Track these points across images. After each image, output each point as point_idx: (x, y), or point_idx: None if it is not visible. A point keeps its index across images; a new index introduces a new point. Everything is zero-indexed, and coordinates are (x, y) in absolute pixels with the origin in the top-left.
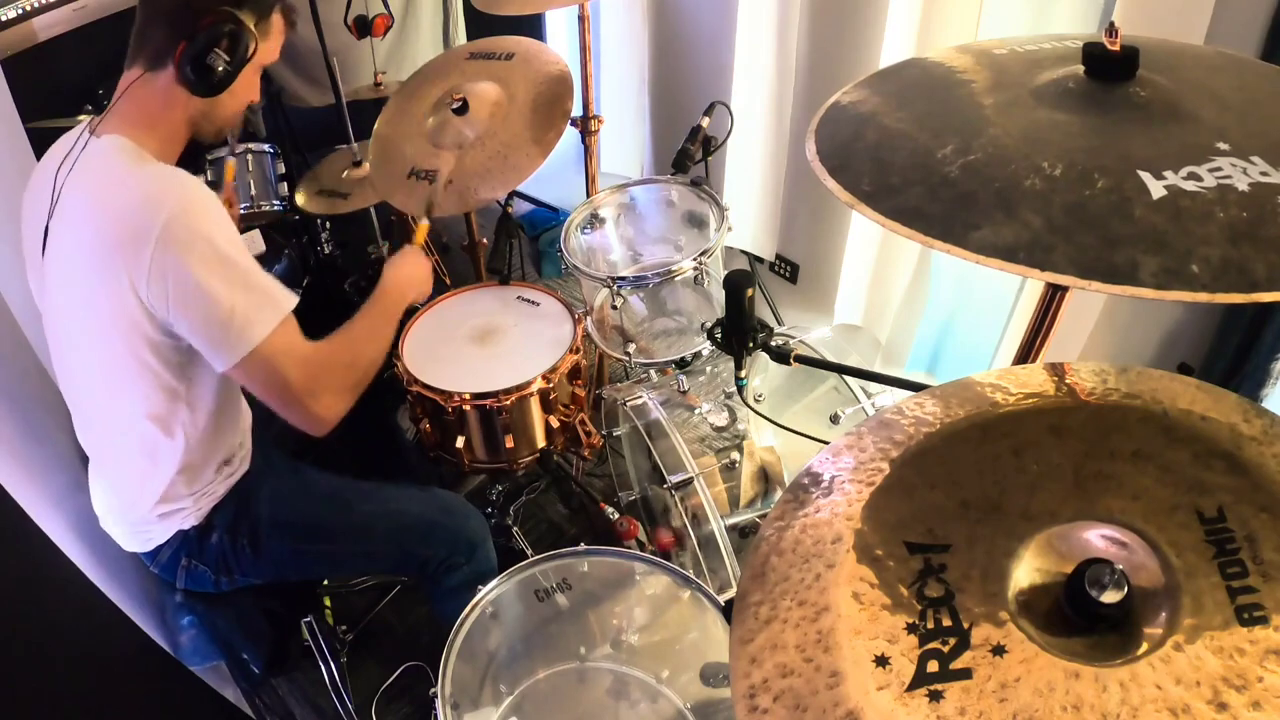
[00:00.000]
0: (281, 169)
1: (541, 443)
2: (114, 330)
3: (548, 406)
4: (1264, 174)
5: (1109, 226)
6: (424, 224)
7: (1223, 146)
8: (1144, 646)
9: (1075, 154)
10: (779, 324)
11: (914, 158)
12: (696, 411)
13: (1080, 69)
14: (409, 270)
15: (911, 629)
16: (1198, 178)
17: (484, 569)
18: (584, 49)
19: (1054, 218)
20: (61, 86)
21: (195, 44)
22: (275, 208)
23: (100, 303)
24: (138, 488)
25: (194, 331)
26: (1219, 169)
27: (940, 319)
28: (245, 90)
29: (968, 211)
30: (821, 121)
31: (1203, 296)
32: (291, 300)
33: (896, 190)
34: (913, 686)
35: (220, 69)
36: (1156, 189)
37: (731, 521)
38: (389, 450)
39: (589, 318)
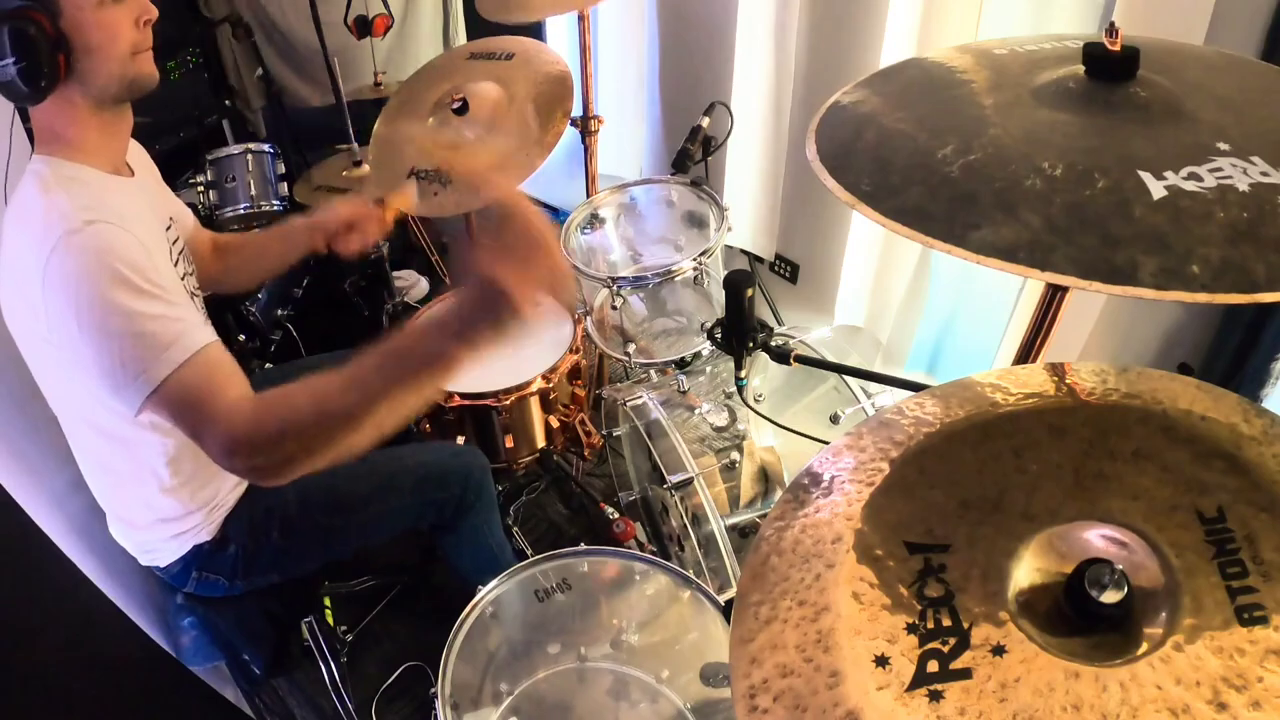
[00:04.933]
0: (281, 169)
1: (541, 443)
2: (48, 350)
3: (548, 406)
4: (1264, 174)
5: (1109, 227)
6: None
7: (1223, 147)
8: (1144, 646)
9: (1075, 154)
10: (779, 324)
11: (914, 158)
12: (696, 411)
13: (1080, 69)
14: (462, 303)
15: (911, 629)
16: (1198, 178)
17: (491, 509)
18: (584, 49)
19: (1054, 218)
20: None
21: None
22: (275, 208)
23: (30, 326)
24: (132, 510)
25: (90, 376)
26: (1219, 169)
27: (940, 319)
28: (99, 38)
29: (968, 211)
30: (821, 122)
31: (1202, 297)
32: (191, 345)
33: (896, 190)
34: (913, 686)
35: (23, 72)
36: (1157, 189)
37: (731, 521)
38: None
39: (589, 318)
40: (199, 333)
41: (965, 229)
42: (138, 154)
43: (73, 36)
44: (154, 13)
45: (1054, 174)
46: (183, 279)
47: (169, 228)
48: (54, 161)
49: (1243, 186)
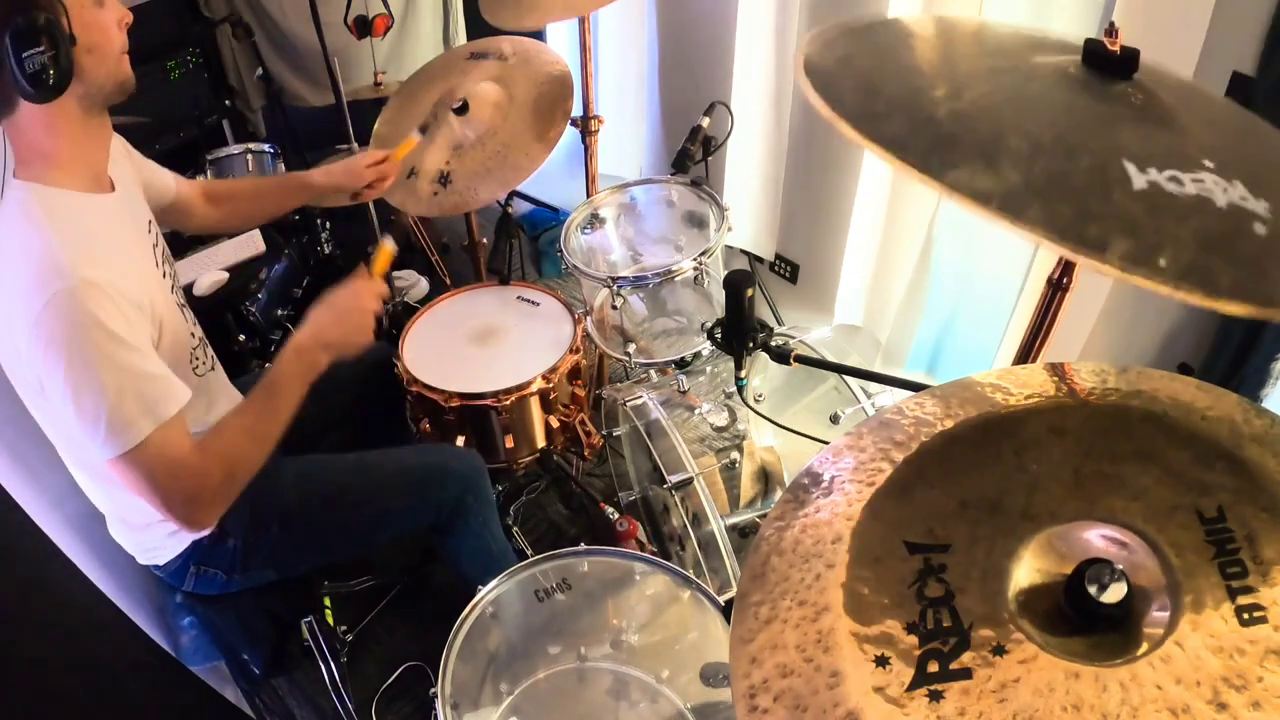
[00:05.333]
0: (281, 169)
1: (541, 443)
2: (33, 381)
3: (548, 406)
4: (1243, 198)
5: (1087, 201)
6: (386, 249)
7: (1208, 164)
8: (1144, 646)
9: (1065, 128)
10: (779, 324)
11: (903, 91)
12: (696, 411)
13: (1079, 59)
14: (323, 324)
15: (911, 629)
16: (1179, 181)
17: (490, 510)
18: (584, 49)
19: (1034, 179)
20: None
21: (8, 61)
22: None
23: (16, 356)
24: (130, 511)
25: (69, 423)
26: (1201, 180)
27: (940, 319)
28: (98, 38)
29: (948, 152)
30: (817, 38)
31: (1164, 289)
32: (173, 406)
33: (880, 116)
34: (913, 686)
35: (48, 63)
36: (1139, 180)
37: (731, 521)
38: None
39: (589, 318)
40: (177, 391)
41: (943, 167)
42: (116, 147)
43: (77, 33)
44: (130, 17)
45: (1039, 140)
46: (171, 291)
47: (149, 228)
48: (37, 188)
49: (1220, 203)
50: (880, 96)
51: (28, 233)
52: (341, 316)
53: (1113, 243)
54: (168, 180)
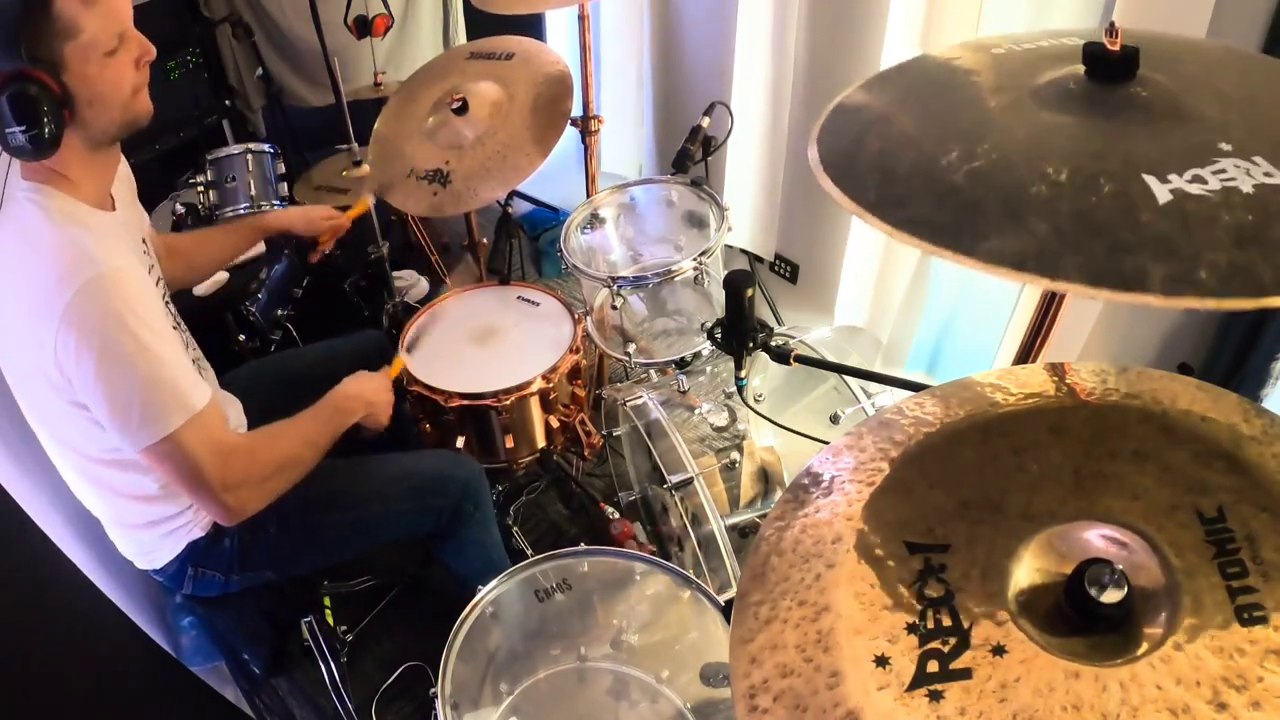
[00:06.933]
0: (281, 169)
1: (541, 443)
2: (43, 379)
3: (548, 406)
4: (1267, 175)
5: (1117, 233)
6: (399, 360)
7: (1225, 147)
8: (1144, 646)
9: (1080, 158)
10: (779, 324)
11: (918, 165)
12: (696, 411)
13: (1080, 69)
14: (365, 387)
15: (911, 629)
16: (1202, 180)
17: (489, 519)
18: (584, 49)
19: (1062, 225)
20: None
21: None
22: (275, 208)
23: (26, 354)
24: (125, 514)
25: (98, 413)
26: (1222, 170)
27: (940, 319)
28: (103, 89)
29: (975, 221)
30: (823, 127)
31: (1211, 303)
32: (203, 397)
33: (903, 200)
34: (913, 686)
35: (33, 133)
36: (1162, 193)
37: (731, 521)
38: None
39: (589, 318)
40: (203, 386)
41: (974, 239)
42: (121, 168)
43: (77, 90)
44: (153, 52)
45: (1059, 179)
46: (167, 309)
47: (145, 247)
48: (50, 191)
49: (1246, 188)
50: (898, 177)
51: (49, 228)
52: (376, 388)
53: (1150, 270)
54: (147, 220)
